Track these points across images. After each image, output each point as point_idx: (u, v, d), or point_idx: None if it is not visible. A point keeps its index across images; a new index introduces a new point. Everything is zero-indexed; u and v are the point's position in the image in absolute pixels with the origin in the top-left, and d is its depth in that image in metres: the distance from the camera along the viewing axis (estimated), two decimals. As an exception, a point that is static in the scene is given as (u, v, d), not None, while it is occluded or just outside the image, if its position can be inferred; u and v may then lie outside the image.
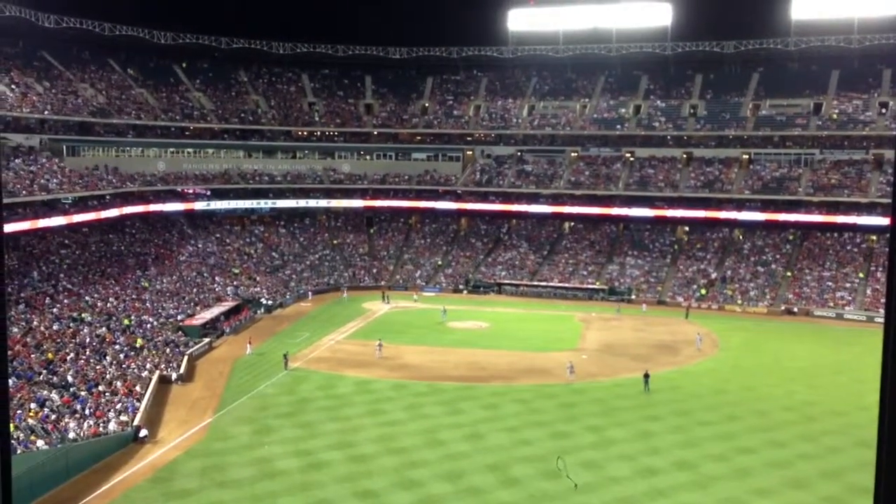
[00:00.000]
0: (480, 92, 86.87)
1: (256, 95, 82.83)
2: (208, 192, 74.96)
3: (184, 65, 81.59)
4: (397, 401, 38.65)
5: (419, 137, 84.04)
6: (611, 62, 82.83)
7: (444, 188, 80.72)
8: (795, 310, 62.79)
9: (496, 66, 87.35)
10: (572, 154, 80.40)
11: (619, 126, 79.33)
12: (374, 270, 74.60)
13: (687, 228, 75.19)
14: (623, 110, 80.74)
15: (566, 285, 69.40)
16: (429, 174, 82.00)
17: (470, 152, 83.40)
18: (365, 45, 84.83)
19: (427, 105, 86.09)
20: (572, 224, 78.82)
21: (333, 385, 41.13)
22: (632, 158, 78.35)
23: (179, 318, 51.60)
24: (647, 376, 40.61)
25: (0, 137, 55.71)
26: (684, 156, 77.34)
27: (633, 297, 66.71)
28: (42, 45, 68.50)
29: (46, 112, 62.47)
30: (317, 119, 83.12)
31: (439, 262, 75.48)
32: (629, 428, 34.50)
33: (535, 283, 70.33)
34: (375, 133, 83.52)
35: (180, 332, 48.73)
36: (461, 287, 71.00)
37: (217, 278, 64.10)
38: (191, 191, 74.09)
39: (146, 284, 57.01)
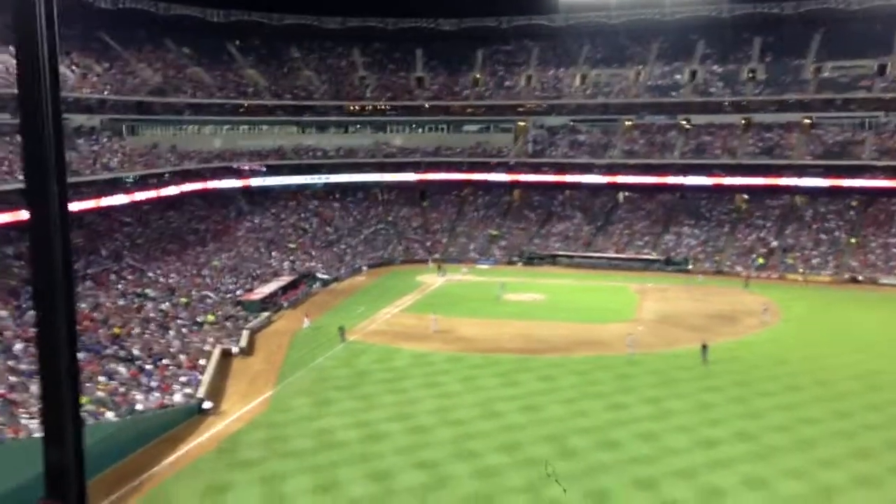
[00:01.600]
0: (532, 62, 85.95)
1: (308, 71, 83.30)
2: (264, 169, 75.91)
3: (237, 42, 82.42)
4: (453, 373, 38.90)
5: (470, 109, 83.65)
6: (665, 27, 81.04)
7: (496, 160, 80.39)
8: (860, 278, 61.18)
9: (547, 34, 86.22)
10: (626, 123, 79.19)
11: (674, 93, 77.80)
12: (428, 244, 74.85)
13: (746, 196, 73.65)
14: (678, 76, 79.09)
15: (621, 256, 68.74)
16: (481, 146, 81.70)
17: (522, 123, 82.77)
18: (415, 18, 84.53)
19: (478, 76, 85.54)
20: (627, 194, 77.85)
21: (390, 358, 41.56)
22: (688, 126, 76.85)
23: (238, 292, 52.61)
24: (705, 347, 40.11)
25: (63, 118, 57.05)
26: (743, 121, 75.55)
27: (690, 266, 65.77)
28: (99, 26, 69.77)
29: (106, 92, 63.82)
30: (368, 93, 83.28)
31: (493, 234, 75.36)
32: (688, 399, 34.19)
33: (590, 254, 69.80)
34: (427, 106, 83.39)
35: (240, 307, 49.70)
36: (515, 259, 70.85)
37: (274, 253, 65.08)
38: (246, 167, 75.10)
39: (216, 264, 58.08)
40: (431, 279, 63.37)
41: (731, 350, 41.94)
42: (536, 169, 78.91)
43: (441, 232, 77.10)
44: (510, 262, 70.44)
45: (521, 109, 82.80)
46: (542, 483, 25.91)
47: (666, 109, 78.03)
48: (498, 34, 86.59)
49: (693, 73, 78.88)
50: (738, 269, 64.80)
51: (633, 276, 63.60)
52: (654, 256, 67.99)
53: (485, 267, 68.83)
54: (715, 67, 78.49)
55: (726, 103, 76.16)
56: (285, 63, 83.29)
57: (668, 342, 43.91)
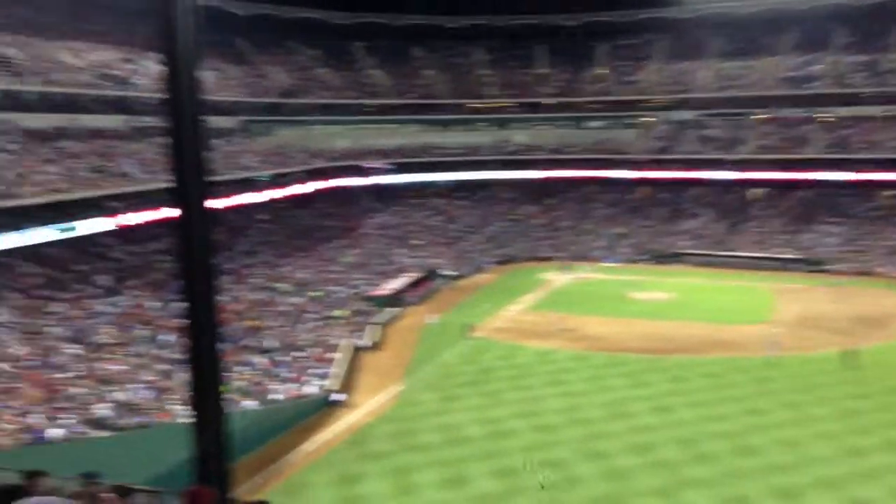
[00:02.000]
0: (657, 55, 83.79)
1: (431, 70, 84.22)
2: (389, 167, 77.31)
3: (362, 43, 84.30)
4: (579, 371, 38.43)
5: (594, 105, 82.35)
6: (800, 15, 77.23)
7: (621, 156, 78.81)
8: None
9: (673, 27, 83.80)
10: (759, 116, 75.96)
11: (809, 84, 74.02)
12: (552, 241, 74.23)
13: (893, 192, 69.23)
14: (814, 67, 75.19)
15: (755, 254, 65.99)
16: (604, 142, 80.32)
17: (647, 118, 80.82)
18: (536, 14, 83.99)
19: (601, 71, 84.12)
20: (759, 190, 74.63)
21: (514, 355, 41.46)
22: (825, 119, 72.95)
23: (366, 288, 53.80)
24: (850, 351, 37.96)
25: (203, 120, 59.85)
26: (884, 113, 71.03)
27: (832, 267, 62.42)
28: (235, 31, 72.88)
29: (241, 95, 66.72)
30: (490, 91, 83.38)
31: (618, 232, 73.96)
32: (832, 405, 32.45)
33: (721, 252, 67.37)
34: (549, 103, 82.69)
35: (368, 302, 50.79)
36: (642, 257, 69.29)
37: (399, 250, 66.18)
38: (372, 165, 76.70)
39: (349, 260, 59.61)
40: (555, 277, 62.82)
41: (880, 354, 39.50)
42: (663, 165, 76.83)
43: (565, 229, 76.30)
44: (636, 261, 68.95)
45: (646, 104, 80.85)
46: (677, 487, 25.20)
47: (801, 102, 74.29)
48: (621, 28, 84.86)
49: (830, 64, 74.81)
50: (890, 268, 60.97)
51: (769, 276, 60.92)
52: (791, 255, 64.92)
53: (610, 265, 67.65)
54: (853, 57, 74.16)
55: (866, 94, 71.81)
56: (408, 62, 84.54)
57: (810, 345, 41.81)
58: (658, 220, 75.10)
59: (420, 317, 50.31)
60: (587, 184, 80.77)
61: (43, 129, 47.84)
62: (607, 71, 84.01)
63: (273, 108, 71.89)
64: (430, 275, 60.47)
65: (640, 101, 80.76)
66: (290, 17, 76.75)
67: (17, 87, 47.35)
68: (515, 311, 51.61)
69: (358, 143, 77.04)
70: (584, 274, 63.99)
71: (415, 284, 56.80)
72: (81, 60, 54.59)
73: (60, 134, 48.91)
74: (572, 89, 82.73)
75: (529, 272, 65.12)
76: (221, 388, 9.91)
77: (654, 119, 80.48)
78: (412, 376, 38.27)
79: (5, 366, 30.02)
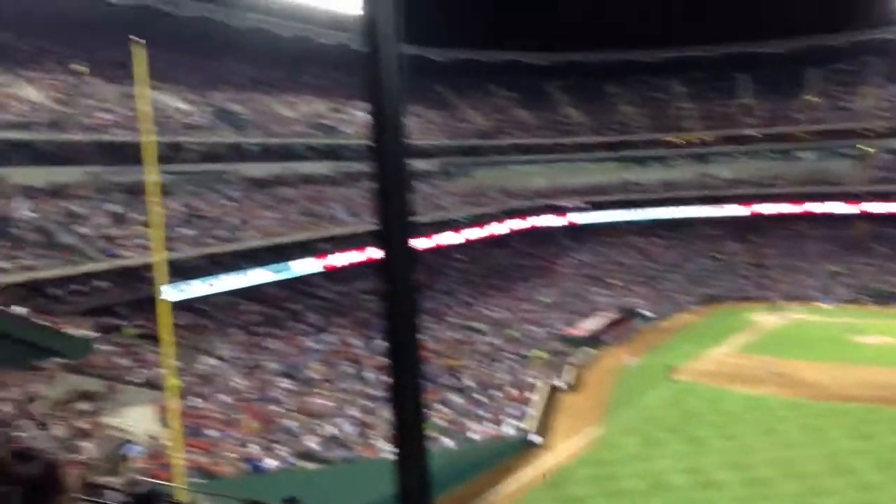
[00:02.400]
0: (874, 79, 77.63)
1: (626, 105, 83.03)
2: (585, 205, 76.67)
3: (557, 82, 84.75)
4: (793, 420, 35.77)
5: (804, 135, 77.44)
6: None
7: (835, 189, 73.33)
8: None
9: (892, 49, 77.36)
10: None
11: None
12: (759, 280, 70.16)
13: None
14: None
15: None
16: (817, 174, 75.13)
17: (865, 147, 74.81)
18: (737, 42, 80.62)
19: (812, 99, 79.09)
20: None
21: (720, 400, 39.32)
22: None
23: (562, 328, 53.31)
24: None
25: (406, 164, 62.47)
26: None
27: None
28: (435, 77, 75.78)
29: (441, 138, 69.17)
30: (689, 124, 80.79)
31: (833, 270, 68.64)
32: None
33: (957, 292, 60.63)
34: (753, 134, 78.74)
35: (564, 342, 50.27)
36: (861, 297, 63.76)
37: (596, 289, 65.16)
38: (568, 204, 76.41)
39: (546, 300, 59.65)
40: (764, 318, 59.17)
41: None
42: (885, 197, 70.63)
43: (773, 268, 71.86)
44: (855, 301, 63.50)
45: (862, 132, 74.93)
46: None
47: None
48: (832, 52, 79.39)
49: None
50: None
51: None
52: None
53: (826, 306, 62.78)
54: None
55: None
56: (604, 99, 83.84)
57: None
58: (879, 257, 68.96)
59: (618, 358, 49.04)
60: (797, 219, 75.78)
61: (262, 178, 51.86)
62: (818, 98, 78.90)
63: (471, 150, 73.87)
64: (629, 315, 58.96)
65: (856, 130, 75.03)
66: (488, 61, 78.91)
67: (241, 139, 51.78)
68: (721, 353, 49.04)
69: (554, 183, 77.12)
70: (797, 315, 59.77)
71: (612, 325, 55.58)
72: (296, 112, 58.87)
73: (277, 181, 52.78)
74: (779, 119, 78.33)
75: (735, 313, 61.78)
76: (423, 426, 10.10)
77: (872, 148, 74.39)
78: (611, 419, 37.25)
79: (227, 398, 32.41)
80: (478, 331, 49.54)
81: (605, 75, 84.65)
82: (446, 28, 66.52)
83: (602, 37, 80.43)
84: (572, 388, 42.75)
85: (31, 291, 32.36)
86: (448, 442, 32.15)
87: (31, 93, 42.47)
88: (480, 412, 36.29)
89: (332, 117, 60.93)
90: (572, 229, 76.68)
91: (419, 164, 65.69)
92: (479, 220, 66.78)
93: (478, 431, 33.95)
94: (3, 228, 34.36)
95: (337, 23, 57.73)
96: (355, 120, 59.95)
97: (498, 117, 78.48)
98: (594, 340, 51.65)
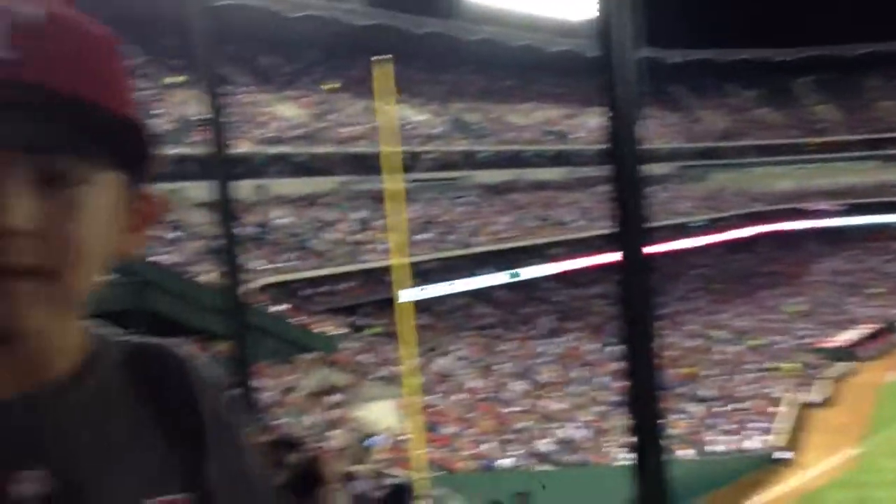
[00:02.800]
0: None
1: (888, 101, 75.42)
2: (839, 208, 70.64)
3: (806, 79, 78.91)
4: None
5: None
6: None
7: None
8: None
9: None
10: None
11: None
12: None
13: None
14: None
15: None
16: None
17: None
18: None
19: None
20: None
21: None
22: None
23: (812, 339, 49.45)
24: None
25: (642, 168, 61.37)
26: None
27: None
28: (670, 79, 73.46)
29: (676, 141, 66.95)
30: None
31: None
32: None
33: None
34: None
35: (816, 355, 46.63)
36: None
37: (853, 299, 59.74)
38: (819, 207, 70.82)
39: (791, 310, 55.88)
40: None
41: None
42: None
43: None
44: None
45: None
46: None
47: None
48: None
49: None
50: None
51: None
52: None
53: None
54: None
55: None
56: (861, 95, 76.75)
57: None
58: None
59: (879, 373, 44.55)
60: None
61: (495, 184, 53.04)
62: None
63: (708, 153, 70.70)
64: (892, 327, 53.49)
65: None
66: (727, 60, 75.18)
67: (476, 147, 53.34)
68: None
69: (802, 184, 71.78)
70: None
71: (872, 337, 50.67)
72: (528, 120, 59.62)
73: (509, 187, 53.72)
74: None
75: None
76: (662, 435, 9.78)
77: None
78: (870, 439, 33.95)
79: (463, 397, 33.44)
80: (717, 339, 47.28)
81: (863, 69, 77.50)
82: (679, 29, 64.36)
83: (857, 28, 73.82)
84: (826, 403, 39.47)
85: (286, 291, 35.41)
86: (686, 453, 30.94)
87: (289, 110, 46.61)
88: (721, 424, 34.59)
89: (563, 124, 61.07)
90: (824, 233, 70.86)
91: (654, 168, 63.97)
92: (717, 225, 63.80)
93: (718, 443, 32.39)
94: (263, 234, 37.96)
95: (566, 30, 57.82)
96: (587, 125, 59.63)
97: (736, 117, 74.51)
98: (850, 353, 47.36)
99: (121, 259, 0.81)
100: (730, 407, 36.50)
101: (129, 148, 0.77)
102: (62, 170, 0.73)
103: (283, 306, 30.51)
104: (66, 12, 0.74)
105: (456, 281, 43.14)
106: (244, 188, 29.50)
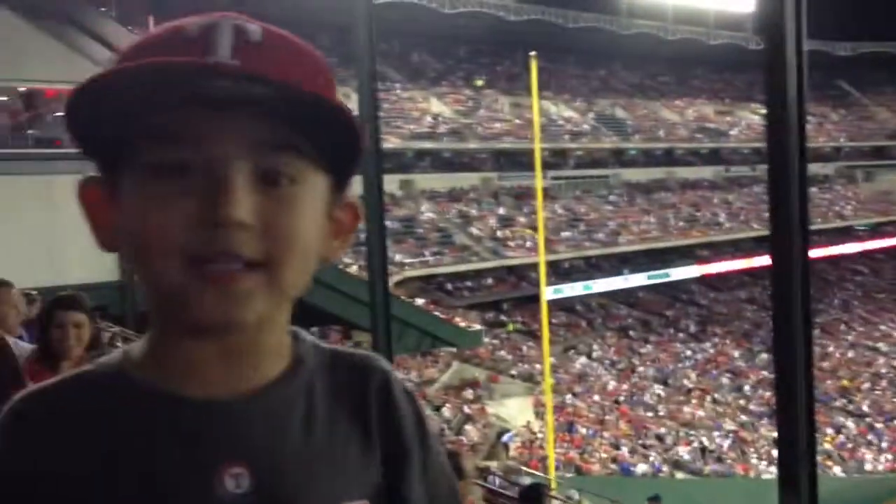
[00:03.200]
0: None
1: None
2: None
3: None
4: None
5: None
6: None
7: None
8: None
9: None
10: None
11: None
12: None
13: None
14: None
15: None
16: None
17: None
18: None
19: None
20: None
21: None
22: None
23: None
24: None
25: (804, 167, 58.45)
26: None
27: None
28: (837, 74, 69.29)
29: (841, 140, 63.10)
30: None
31: None
32: None
33: None
34: None
35: None
36: None
37: None
38: None
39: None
40: None
41: None
42: None
43: None
44: None
45: None
46: None
47: None
48: None
49: None
50: None
51: None
52: None
53: None
54: None
55: None
56: None
57: None
58: None
59: None
60: None
61: (643, 183, 51.84)
62: None
63: (878, 152, 66.11)
64: None
65: None
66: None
67: (623, 145, 52.34)
68: None
69: None
70: None
71: None
72: (681, 116, 57.88)
73: (658, 186, 52.35)
74: None
75: None
76: (813, 450, 9.30)
77: None
78: None
79: (600, 398, 32.99)
80: (880, 351, 44.30)
81: None
82: (848, 19, 60.53)
83: None
84: None
85: (429, 285, 36.08)
86: (838, 470, 29.25)
87: (438, 106, 47.39)
88: (879, 441, 32.44)
89: (718, 121, 58.88)
90: None
91: (815, 168, 60.62)
92: (884, 229, 59.62)
93: (875, 462, 30.39)
94: (410, 228, 38.83)
95: (728, 23, 55.68)
96: (743, 123, 57.28)
97: (914, 114, 69.22)
98: None
99: (322, 265, 0.85)
100: (890, 424, 34.16)
101: (341, 149, 0.81)
102: (280, 168, 0.77)
103: (426, 299, 31.12)
104: (279, 31, 0.81)
105: (598, 280, 42.56)
106: (390, 182, 30.24)
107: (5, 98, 20.59)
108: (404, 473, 0.90)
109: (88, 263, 16.28)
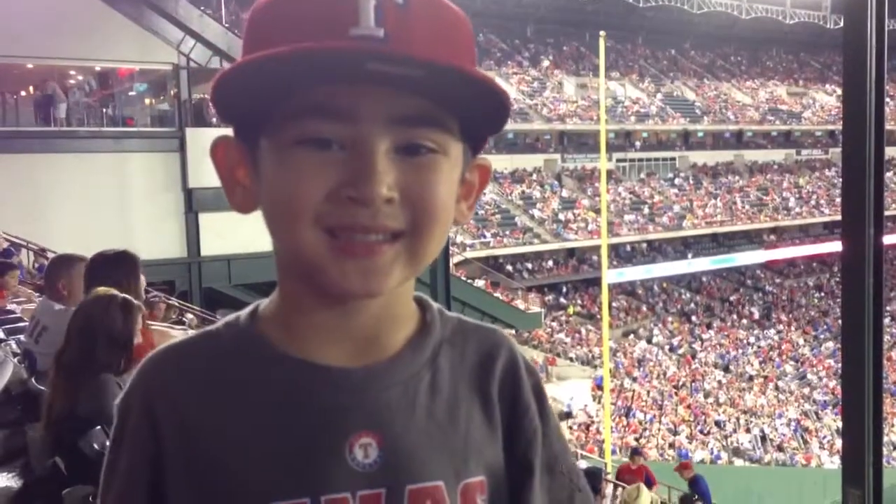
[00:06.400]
0: None
1: None
2: None
3: None
4: None
5: None
6: None
7: None
8: None
9: None
10: None
11: None
12: None
13: None
14: None
15: None
16: None
17: None
18: None
19: None
20: None
21: None
22: None
23: None
24: None
25: (882, 151, 56.47)
26: None
27: None
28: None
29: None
30: None
31: None
32: None
33: None
34: None
35: None
36: None
37: None
38: None
39: None
40: None
41: None
42: None
43: None
44: None
45: None
46: None
47: None
48: None
49: None
50: None
51: None
52: None
53: None
54: None
55: None
56: None
57: None
58: None
59: None
60: None
61: (711, 165, 50.75)
62: None
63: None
64: None
65: None
66: None
67: (691, 127, 51.27)
68: None
69: None
70: None
71: None
72: (752, 98, 56.39)
73: (725, 169, 51.20)
74: None
75: None
76: (880, 442, 9.07)
77: None
78: None
79: (659, 383, 32.64)
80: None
81: None
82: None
83: None
84: None
85: (490, 266, 36.08)
86: (902, 464, 28.45)
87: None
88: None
89: (790, 102, 57.17)
90: None
91: (891, 152, 58.53)
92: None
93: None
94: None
95: (805, 1, 53.88)
96: (816, 104, 55.53)
97: None
98: None
99: (452, 227, 0.85)
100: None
101: (480, 119, 0.82)
102: (420, 140, 0.78)
103: (486, 280, 31.17)
104: None
105: (661, 263, 41.97)
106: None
107: (81, 77, 21.14)
108: (527, 450, 0.91)
109: (158, 240, 16.78)
